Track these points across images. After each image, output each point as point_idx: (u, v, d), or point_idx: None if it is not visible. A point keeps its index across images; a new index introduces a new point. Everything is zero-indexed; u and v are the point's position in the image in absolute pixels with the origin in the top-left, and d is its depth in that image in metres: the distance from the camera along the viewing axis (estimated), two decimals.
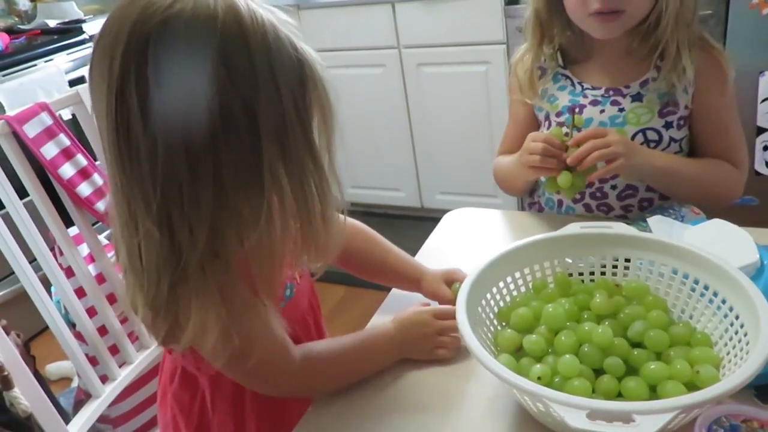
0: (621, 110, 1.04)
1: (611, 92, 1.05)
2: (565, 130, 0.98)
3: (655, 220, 0.86)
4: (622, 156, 0.92)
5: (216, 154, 0.58)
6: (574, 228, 0.81)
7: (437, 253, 1.05)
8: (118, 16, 0.58)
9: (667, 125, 1.03)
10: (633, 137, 1.03)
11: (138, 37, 0.56)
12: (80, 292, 1.17)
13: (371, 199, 2.70)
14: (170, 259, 0.60)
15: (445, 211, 1.18)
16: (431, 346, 0.80)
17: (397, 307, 0.86)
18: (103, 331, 1.19)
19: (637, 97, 1.03)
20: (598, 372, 0.67)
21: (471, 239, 1.09)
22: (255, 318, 0.68)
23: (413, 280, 0.93)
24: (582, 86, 1.07)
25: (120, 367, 1.21)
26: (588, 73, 1.08)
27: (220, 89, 0.57)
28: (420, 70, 2.34)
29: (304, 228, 0.66)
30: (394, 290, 0.97)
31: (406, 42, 2.32)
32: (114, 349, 1.21)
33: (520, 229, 1.08)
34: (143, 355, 1.25)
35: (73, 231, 1.18)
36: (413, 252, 1.02)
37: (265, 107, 0.59)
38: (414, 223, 2.63)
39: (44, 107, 1.12)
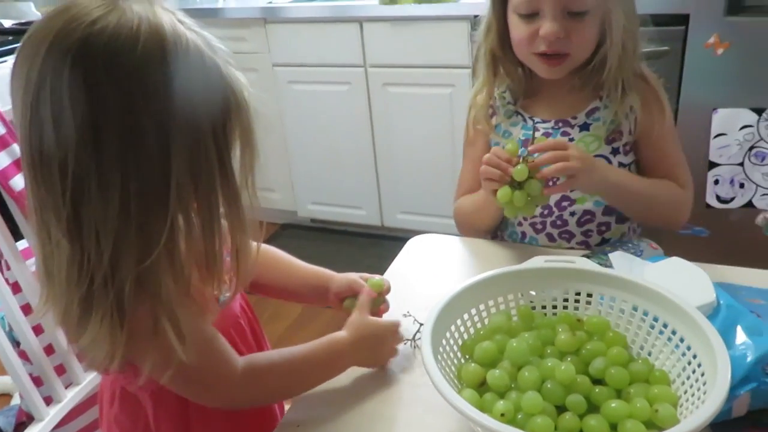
0: (571, 140, 1.08)
1: (560, 123, 1.09)
2: (522, 149, 0.99)
3: (616, 256, 0.88)
4: (580, 171, 0.94)
5: (125, 170, 0.59)
6: (538, 261, 0.82)
7: (401, 279, 1.04)
8: (42, 26, 0.59)
9: (614, 151, 1.08)
10: None
11: (58, 49, 0.57)
12: (27, 309, 1.12)
13: (332, 216, 2.69)
14: (80, 271, 0.60)
15: (405, 231, 1.18)
16: (387, 356, 0.83)
17: None
18: (49, 350, 1.14)
19: (584, 127, 1.08)
20: (560, 408, 0.68)
21: (435, 266, 1.09)
22: (193, 329, 0.67)
23: (321, 288, 0.93)
24: (533, 120, 1.11)
25: (66, 388, 1.16)
26: (537, 107, 1.13)
27: (133, 108, 0.58)
28: (385, 90, 2.35)
29: (209, 255, 0.66)
30: None
31: (373, 61, 2.33)
32: (60, 369, 1.16)
33: (483, 258, 1.08)
34: (91, 376, 1.20)
35: (23, 245, 1.13)
36: (373, 271, 1.02)
37: (179, 129, 0.60)
38: (374, 242, 2.62)
39: None
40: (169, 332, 0.63)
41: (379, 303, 0.88)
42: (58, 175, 0.58)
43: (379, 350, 0.82)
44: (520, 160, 0.95)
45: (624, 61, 1.02)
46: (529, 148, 0.96)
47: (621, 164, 1.08)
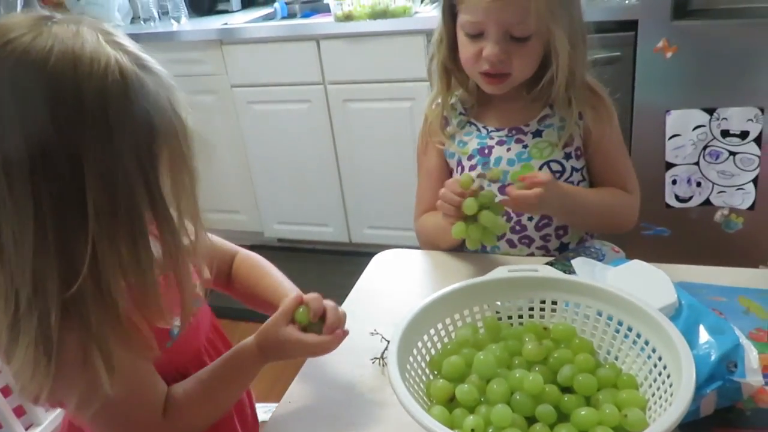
0: (525, 146, 1.10)
1: (513, 131, 1.12)
2: (475, 174, 0.99)
3: (578, 262, 0.88)
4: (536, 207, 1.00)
5: (36, 192, 0.57)
6: (502, 272, 0.82)
7: (367, 296, 1.03)
8: None
9: (567, 156, 1.10)
10: (540, 169, 1.09)
11: None
12: None
13: (299, 235, 2.67)
14: (6, 296, 0.60)
15: (373, 246, 1.18)
16: (303, 356, 0.84)
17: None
18: (6, 391, 1.10)
19: (537, 134, 1.11)
20: (531, 419, 0.67)
21: (401, 282, 1.08)
22: (125, 363, 0.65)
23: (275, 305, 0.86)
24: (487, 129, 1.14)
25: (27, 430, 1.12)
26: (489, 116, 1.15)
27: (41, 130, 0.57)
28: (346, 106, 2.35)
29: (138, 283, 0.64)
30: None
31: (332, 78, 2.33)
32: (19, 411, 1.12)
33: (448, 271, 1.08)
34: (53, 415, 1.16)
35: None
36: (343, 288, 1.00)
37: (93, 153, 0.58)
38: (343, 258, 2.61)
39: None
40: (98, 363, 0.61)
41: (315, 327, 0.79)
42: None
43: (288, 356, 0.79)
44: (473, 191, 0.96)
45: (571, 82, 1.05)
46: (508, 190, 0.98)
47: (574, 168, 1.10)
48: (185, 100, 0.66)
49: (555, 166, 1.09)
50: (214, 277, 0.86)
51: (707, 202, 1.74)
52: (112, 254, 0.61)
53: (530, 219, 1.11)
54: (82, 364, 0.62)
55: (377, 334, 0.87)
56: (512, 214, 1.11)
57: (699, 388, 0.66)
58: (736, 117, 1.63)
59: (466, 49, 1.05)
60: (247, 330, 0.82)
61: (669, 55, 1.65)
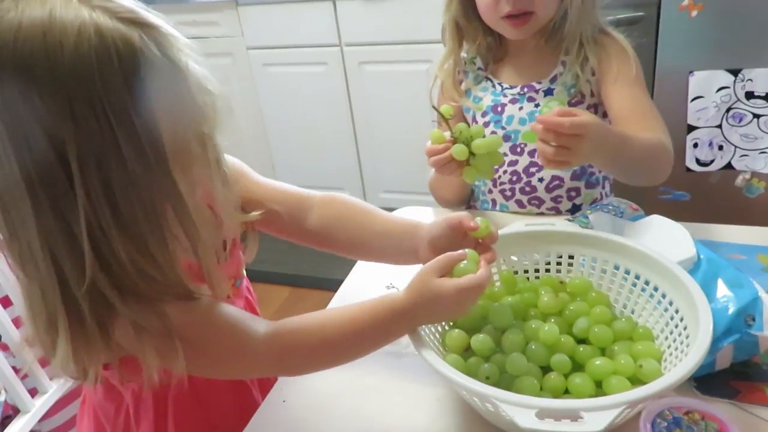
0: (536, 105, 1.09)
1: (526, 89, 1.10)
2: (447, 133, 0.95)
3: (596, 217, 0.88)
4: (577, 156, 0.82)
5: (30, 188, 0.54)
6: (519, 226, 0.81)
7: None
8: None
9: None
10: None
11: None
12: (6, 301, 1.10)
13: None
14: (33, 294, 0.58)
15: (389, 210, 1.17)
16: (456, 314, 0.70)
17: None
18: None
19: (548, 92, 1.09)
20: (545, 369, 0.68)
21: None
22: (191, 316, 0.64)
23: (406, 243, 0.78)
24: (501, 86, 1.12)
25: (51, 379, 1.15)
26: (504, 73, 1.14)
27: (21, 117, 0.52)
28: (362, 69, 2.33)
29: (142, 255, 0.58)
30: (341, 290, 0.95)
31: (348, 40, 2.30)
32: (44, 361, 1.15)
33: None
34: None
35: None
36: None
37: (79, 134, 0.52)
38: None
39: None
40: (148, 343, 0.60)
41: (470, 268, 0.66)
42: None
43: (441, 313, 0.68)
44: (453, 140, 0.92)
45: (583, 13, 1.02)
46: (535, 123, 0.82)
47: None
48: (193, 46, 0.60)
49: None
50: (287, 229, 0.82)
51: (729, 165, 1.71)
52: (113, 235, 0.56)
53: (540, 180, 1.09)
54: (137, 342, 0.60)
55: (393, 287, 0.88)
56: (522, 175, 1.10)
57: (716, 341, 0.66)
58: (762, 78, 1.59)
59: None
60: (281, 293, 0.80)
61: (694, 13, 1.61)
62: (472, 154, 0.91)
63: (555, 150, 0.79)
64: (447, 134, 0.93)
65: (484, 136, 0.92)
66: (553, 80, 1.09)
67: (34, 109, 0.52)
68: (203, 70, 0.61)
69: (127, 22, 0.54)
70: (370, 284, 0.92)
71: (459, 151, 0.91)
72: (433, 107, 1.05)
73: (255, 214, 0.77)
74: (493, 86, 1.13)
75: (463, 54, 1.14)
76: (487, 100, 1.13)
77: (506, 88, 1.12)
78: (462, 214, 0.73)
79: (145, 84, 0.55)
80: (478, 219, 0.71)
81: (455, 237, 0.73)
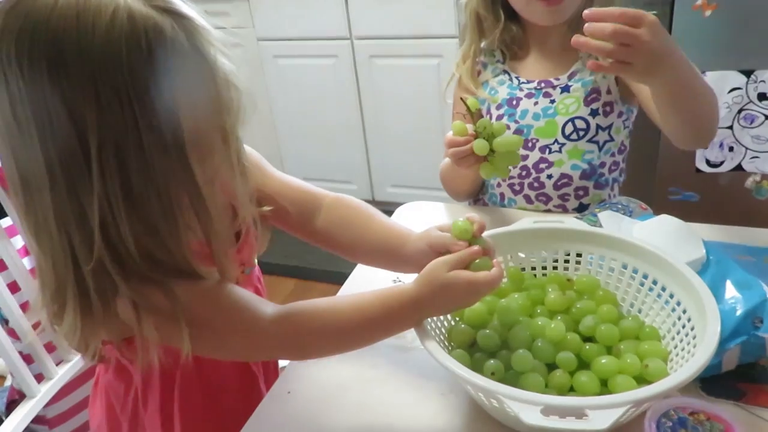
0: (552, 102, 1.09)
1: (543, 84, 1.10)
2: (470, 127, 0.95)
3: (605, 215, 0.87)
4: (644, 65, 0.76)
5: (48, 163, 0.54)
6: (527, 223, 0.81)
7: None
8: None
9: (593, 113, 1.07)
10: (563, 127, 1.07)
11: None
12: (14, 287, 1.11)
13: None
14: (45, 265, 0.59)
15: (396, 204, 1.18)
16: (465, 304, 0.70)
17: None
18: (38, 327, 1.13)
19: (565, 89, 1.09)
20: (551, 366, 0.68)
21: None
22: (198, 295, 0.64)
23: (391, 252, 0.78)
24: (518, 80, 1.12)
25: (57, 365, 1.16)
26: (523, 67, 1.14)
27: (48, 96, 0.53)
28: (372, 62, 2.33)
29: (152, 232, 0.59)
30: (347, 283, 0.95)
31: (359, 33, 2.30)
32: (50, 347, 1.15)
33: None
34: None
35: (6, 222, 1.11)
36: None
37: (100, 117, 0.53)
38: None
39: None
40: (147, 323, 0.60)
41: (485, 264, 0.67)
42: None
43: (449, 304, 0.68)
44: (475, 135, 0.92)
45: (608, 5, 0.99)
46: (586, 13, 0.75)
47: (599, 126, 1.07)
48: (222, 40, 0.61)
49: (579, 123, 1.07)
50: (295, 227, 0.83)
51: (739, 167, 1.70)
52: (123, 219, 0.56)
53: (549, 177, 1.09)
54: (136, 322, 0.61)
55: (400, 281, 0.88)
56: (531, 170, 1.09)
57: (723, 342, 0.66)
58: None
59: None
60: (287, 285, 0.80)
61: (708, 13, 1.60)
62: (491, 150, 0.91)
63: (615, 48, 0.71)
64: (470, 127, 0.93)
65: (505, 134, 0.92)
66: (571, 76, 1.09)
67: (61, 88, 0.52)
68: (231, 65, 0.61)
69: (160, 10, 0.55)
70: (376, 278, 0.91)
71: (480, 146, 0.91)
72: (461, 99, 1.05)
73: (266, 209, 0.78)
74: (510, 80, 1.13)
75: (482, 46, 1.14)
76: (503, 93, 1.13)
77: (523, 83, 1.12)
78: (449, 243, 0.70)
79: (172, 73, 0.55)
80: (459, 221, 0.69)
81: (436, 256, 0.70)
